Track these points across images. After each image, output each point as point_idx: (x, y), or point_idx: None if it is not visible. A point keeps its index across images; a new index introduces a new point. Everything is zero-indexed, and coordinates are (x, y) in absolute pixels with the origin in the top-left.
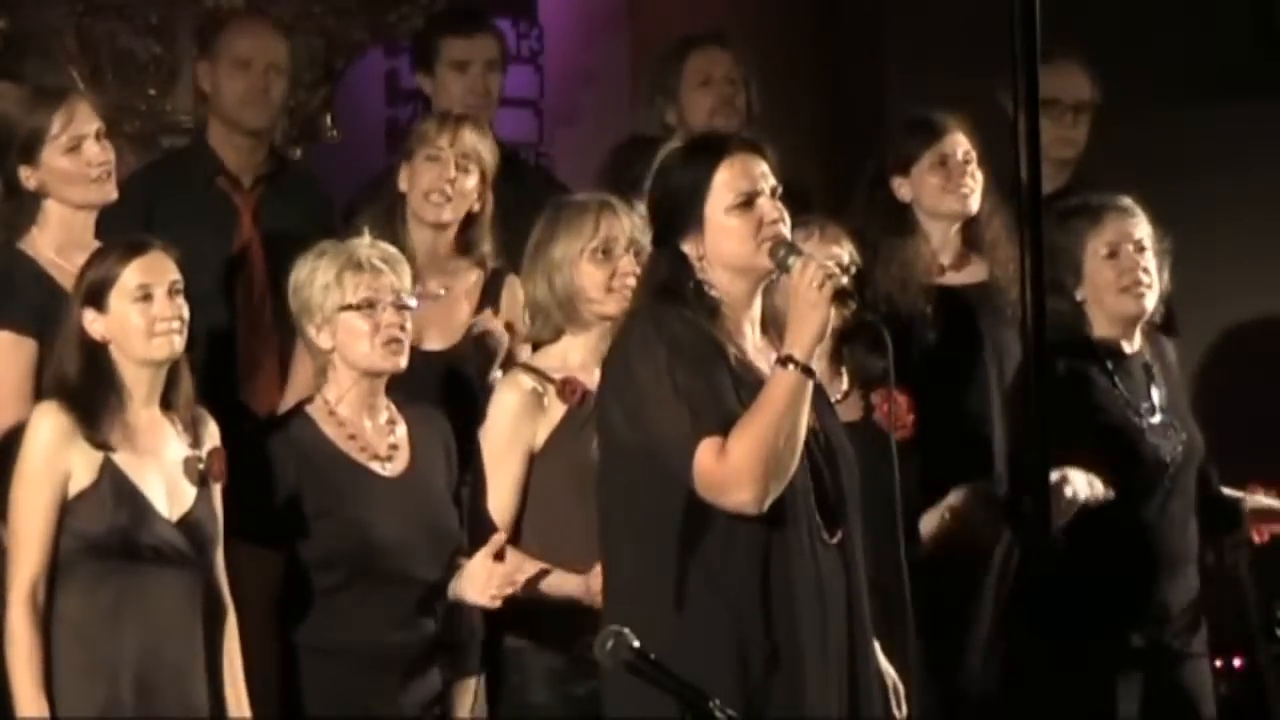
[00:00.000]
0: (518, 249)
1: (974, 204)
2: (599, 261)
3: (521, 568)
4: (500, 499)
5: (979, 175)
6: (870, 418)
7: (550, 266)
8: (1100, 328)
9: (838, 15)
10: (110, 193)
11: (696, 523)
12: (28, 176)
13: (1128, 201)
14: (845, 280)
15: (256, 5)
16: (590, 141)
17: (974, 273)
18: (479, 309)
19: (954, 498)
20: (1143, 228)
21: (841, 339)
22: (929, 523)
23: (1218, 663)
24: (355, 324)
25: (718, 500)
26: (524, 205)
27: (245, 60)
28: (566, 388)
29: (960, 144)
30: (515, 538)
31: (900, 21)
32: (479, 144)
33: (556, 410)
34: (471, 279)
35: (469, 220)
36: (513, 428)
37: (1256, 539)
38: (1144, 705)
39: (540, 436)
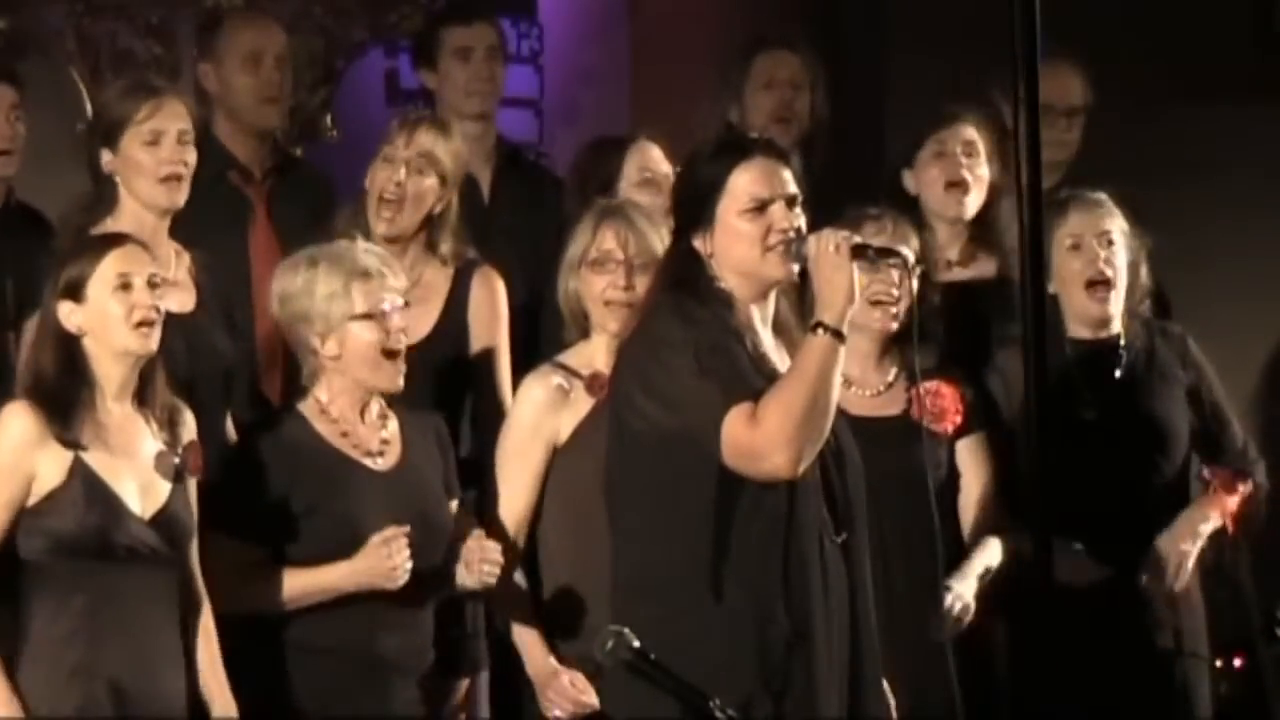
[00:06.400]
0: (519, 246)
1: (971, 204)
2: (597, 270)
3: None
4: (514, 491)
5: (984, 170)
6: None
7: (562, 273)
8: (1072, 320)
9: (838, 15)
10: (178, 199)
11: (726, 513)
12: (108, 162)
13: (1099, 196)
14: (858, 238)
15: (257, 5)
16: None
17: (981, 268)
18: (447, 307)
19: None
20: (1112, 222)
21: (894, 338)
22: None
23: (1218, 663)
24: (363, 335)
25: (750, 467)
26: (525, 203)
27: (256, 55)
28: (595, 382)
29: (960, 135)
30: (531, 532)
31: (900, 21)
32: (436, 145)
33: (583, 405)
34: (438, 278)
35: (430, 220)
36: (536, 421)
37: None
38: (1144, 702)
39: (565, 431)
